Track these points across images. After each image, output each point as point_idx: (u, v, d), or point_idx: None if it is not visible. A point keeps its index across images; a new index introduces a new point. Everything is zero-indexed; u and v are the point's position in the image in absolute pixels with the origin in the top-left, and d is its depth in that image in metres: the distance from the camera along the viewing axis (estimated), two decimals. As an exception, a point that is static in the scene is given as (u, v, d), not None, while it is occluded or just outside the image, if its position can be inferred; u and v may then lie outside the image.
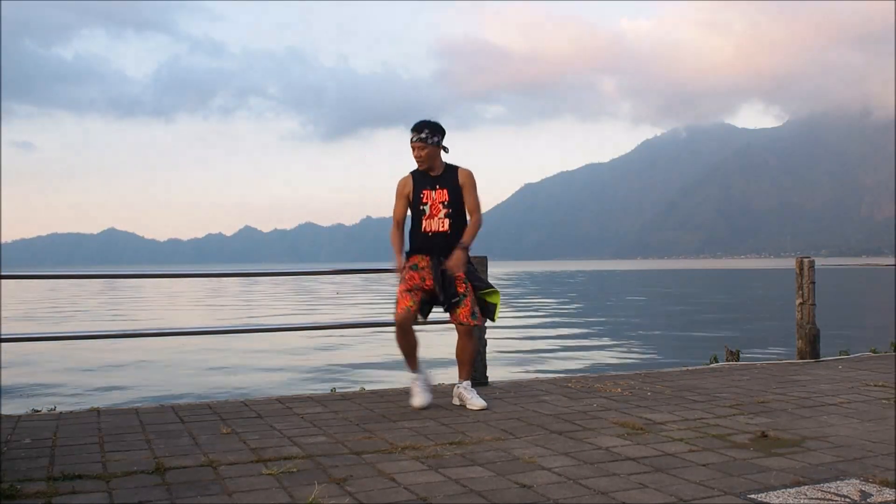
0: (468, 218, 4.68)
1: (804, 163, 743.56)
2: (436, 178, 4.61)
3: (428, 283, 4.54)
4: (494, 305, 4.60)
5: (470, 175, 4.65)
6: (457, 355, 4.62)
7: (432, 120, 4.60)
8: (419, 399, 4.50)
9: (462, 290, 4.51)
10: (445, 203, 4.56)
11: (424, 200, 4.58)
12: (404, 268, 4.61)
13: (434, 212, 4.56)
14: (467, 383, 4.59)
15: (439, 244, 4.54)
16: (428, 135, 4.56)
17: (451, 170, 4.65)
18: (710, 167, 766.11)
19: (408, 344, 4.53)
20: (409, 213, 4.70)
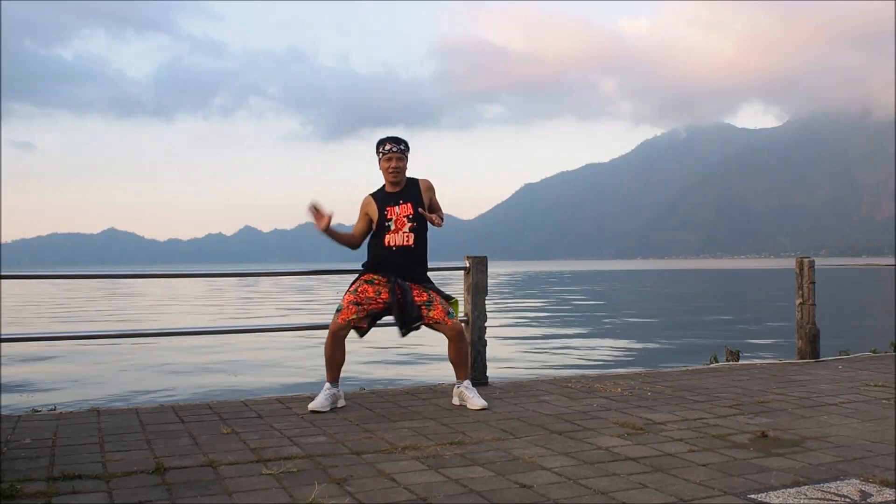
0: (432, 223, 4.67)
1: (804, 163, 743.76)
2: (398, 193, 4.61)
3: (383, 296, 4.51)
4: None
5: (430, 183, 4.70)
6: (450, 357, 4.61)
7: None
8: (317, 403, 4.41)
9: (425, 298, 4.51)
10: (410, 217, 4.56)
11: (389, 216, 4.57)
12: (358, 280, 4.59)
13: (399, 226, 4.55)
14: (468, 382, 4.58)
15: (402, 258, 4.54)
16: (406, 147, 4.61)
17: (413, 183, 4.67)
18: (710, 167, 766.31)
19: (335, 354, 4.50)
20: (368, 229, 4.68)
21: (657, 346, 16.05)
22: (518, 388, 5.17)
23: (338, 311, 4.51)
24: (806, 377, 5.61)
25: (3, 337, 4.76)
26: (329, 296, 37.50)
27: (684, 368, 6.29)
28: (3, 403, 7.82)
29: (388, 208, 4.58)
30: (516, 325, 20.85)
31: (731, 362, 6.97)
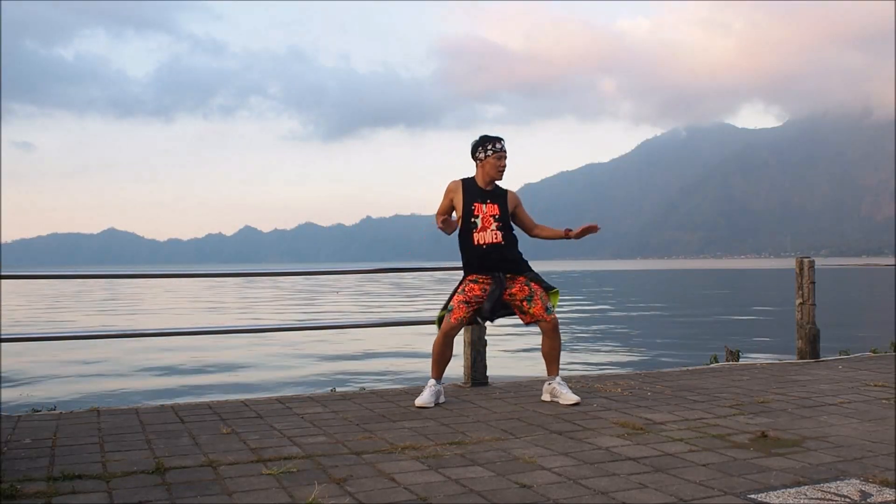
0: (531, 231, 4.86)
1: (804, 163, 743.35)
2: (488, 192, 4.70)
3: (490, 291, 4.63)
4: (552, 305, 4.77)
5: (518, 198, 4.81)
6: (543, 352, 4.74)
7: None
8: (423, 399, 4.53)
9: (527, 293, 4.62)
10: (496, 217, 4.65)
11: (476, 213, 4.64)
12: (464, 280, 4.70)
13: (485, 224, 4.64)
14: (559, 379, 4.67)
15: (496, 256, 4.62)
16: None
17: (500, 188, 4.77)
18: (710, 167, 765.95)
19: (444, 353, 4.65)
20: (457, 221, 4.77)
21: (657, 345, 16.04)
22: (518, 388, 5.18)
23: (449, 311, 4.62)
24: (806, 377, 5.61)
25: (3, 337, 4.76)
26: (329, 296, 37.48)
27: (684, 368, 6.29)
28: (2, 403, 7.82)
29: (475, 203, 4.66)
30: (517, 324, 20.85)
31: (731, 362, 6.97)
